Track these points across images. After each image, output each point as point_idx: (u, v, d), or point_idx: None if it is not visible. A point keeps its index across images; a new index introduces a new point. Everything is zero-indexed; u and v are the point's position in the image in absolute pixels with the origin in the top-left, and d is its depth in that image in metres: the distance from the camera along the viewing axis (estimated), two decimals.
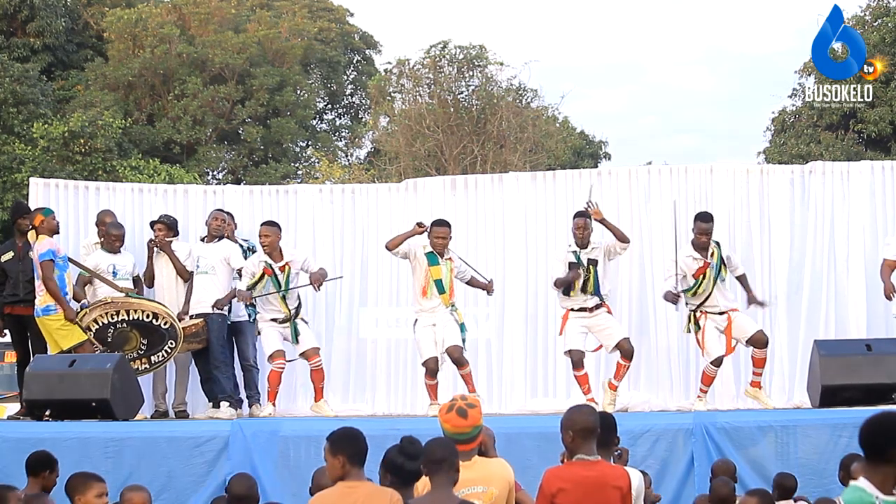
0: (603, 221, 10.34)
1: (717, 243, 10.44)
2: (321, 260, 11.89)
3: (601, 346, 10.55)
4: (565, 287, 10.31)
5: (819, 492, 7.96)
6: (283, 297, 10.53)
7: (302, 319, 10.69)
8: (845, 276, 11.44)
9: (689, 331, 10.53)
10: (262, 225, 10.76)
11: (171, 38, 30.15)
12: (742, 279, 10.69)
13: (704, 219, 10.41)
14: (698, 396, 10.44)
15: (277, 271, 10.52)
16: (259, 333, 10.95)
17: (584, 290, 10.28)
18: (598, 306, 10.31)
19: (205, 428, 9.31)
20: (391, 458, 5.59)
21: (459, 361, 10.14)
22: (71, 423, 9.25)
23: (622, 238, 10.36)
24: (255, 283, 10.55)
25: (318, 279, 10.54)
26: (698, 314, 10.39)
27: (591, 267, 10.29)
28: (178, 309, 11.00)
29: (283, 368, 10.52)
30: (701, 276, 10.30)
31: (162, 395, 11.26)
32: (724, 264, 10.36)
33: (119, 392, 9.49)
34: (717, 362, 10.29)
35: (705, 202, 11.45)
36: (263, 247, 10.62)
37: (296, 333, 10.57)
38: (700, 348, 10.48)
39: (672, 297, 10.38)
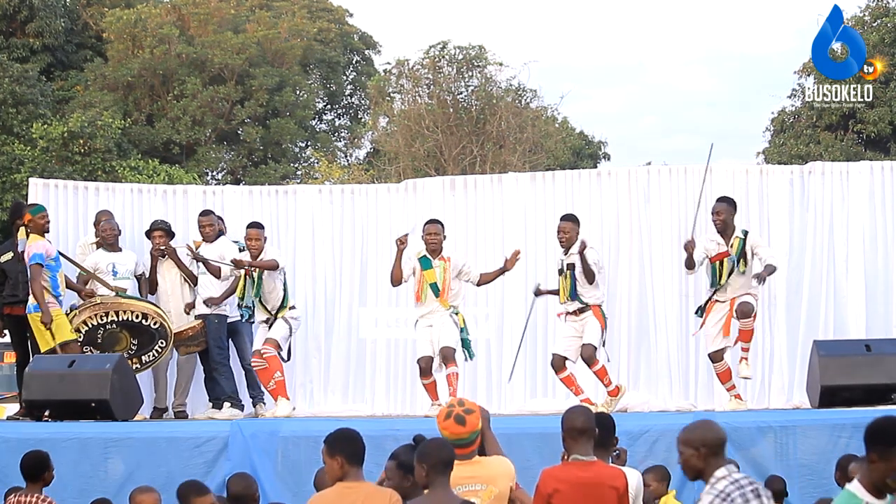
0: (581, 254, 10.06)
1: (745, 233, 10.21)
2: (321, 260, 11.94)
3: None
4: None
5: (819, 492, 7.97)
6: (260, 298, 10.46)
7: (283, 319, 10.48)
8: (845, 276, 11.42)
9: (697, 313, 10.43)
10: (250, 228, 10.57)
11: (171, 38, 30.14)
12: (766, 267, 10.07)
13: (719, 199, 10.31)
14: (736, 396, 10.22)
15: (254, 273, 10.42)
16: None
17: (566, 294, 10.20)
18: (581, 311, 10.16)
19: (204, 428, 9.32)
20: (406, 458, 5.54)
21: (446, 358, 10.01)
22: (70, 424, 9.26)
23: (588, 279, 10.05)
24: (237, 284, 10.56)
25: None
26: (709, 303, 10.23)
27: (567, 272, 10.20)
28: (182, 314, 11.01)
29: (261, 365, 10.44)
30: (718, 263, 10.13)
31: (161, 395, 11.26)
32: (745, 257, 10.07)
33: (118, 392, 9.50)
34: (713, 357, 10.13)
35: (704, 202, 11.42)
36: (252, 250, 10.47)
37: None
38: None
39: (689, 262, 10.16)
